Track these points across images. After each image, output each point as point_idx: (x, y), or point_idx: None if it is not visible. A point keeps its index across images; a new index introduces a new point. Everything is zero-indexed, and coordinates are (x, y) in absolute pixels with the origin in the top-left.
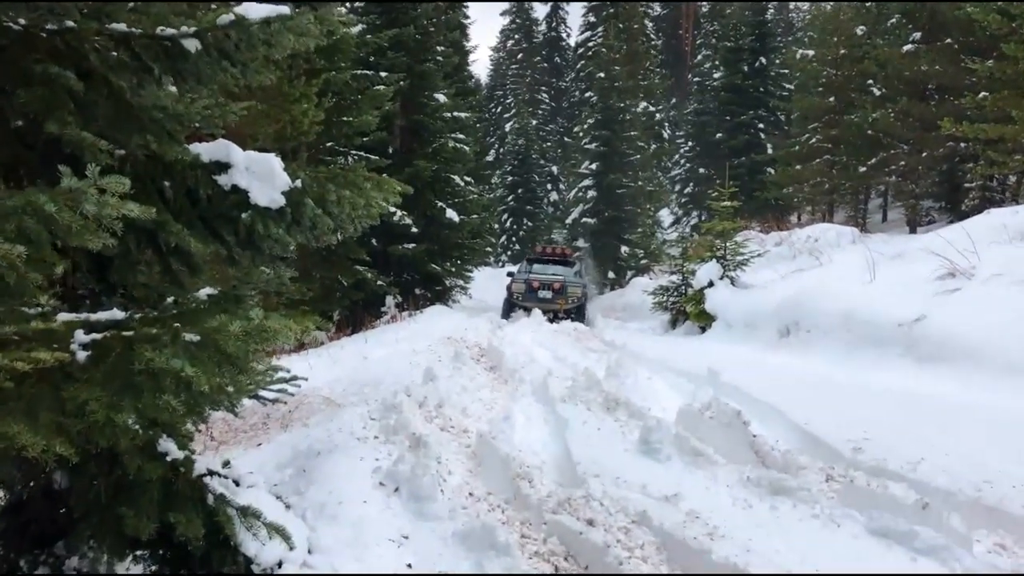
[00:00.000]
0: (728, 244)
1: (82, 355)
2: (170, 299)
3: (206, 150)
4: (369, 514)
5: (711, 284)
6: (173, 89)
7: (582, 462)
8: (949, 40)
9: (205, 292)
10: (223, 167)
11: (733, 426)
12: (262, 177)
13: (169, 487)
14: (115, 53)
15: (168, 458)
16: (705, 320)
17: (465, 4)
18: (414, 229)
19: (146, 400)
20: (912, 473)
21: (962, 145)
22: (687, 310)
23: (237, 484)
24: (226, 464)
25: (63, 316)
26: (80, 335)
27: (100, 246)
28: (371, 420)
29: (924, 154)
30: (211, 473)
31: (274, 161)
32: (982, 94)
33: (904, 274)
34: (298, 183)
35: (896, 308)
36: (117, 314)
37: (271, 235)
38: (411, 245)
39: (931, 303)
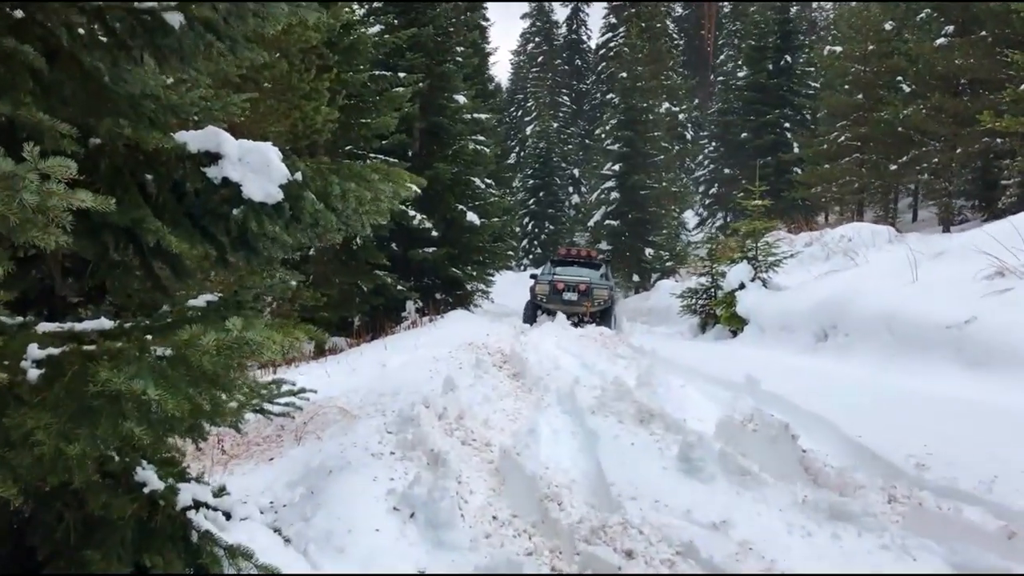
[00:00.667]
0: (759, 244)
1: (34, 373)
2: (165, 307)
3: (193, 139)
4: (381, 545)
5: (742, 286)
6: (168, 79)
7: (616, 482)
8: (984, 33)
9: (204, 299)
10: (213, 158)
11: (780, 440)
12: (257, 169)
13: (145, 524)
14: (85, 29)
15: (146, 489)
16: (736, 323)
17: (484, 5)
18: (434, 233)
19: (104, 427)
20: (988, 494)
21: (998, 141)
22: (717, 313)
23: (228, 517)
24: (220, 492)
25: (45, 326)
26: (33, 350)
27: (53, 244)
28: (387, 434)
29: (958, 151)
30: (197, 505)
31: (270, 151)
32: (1023, 87)
33: (948, 273)
34: (298, 176)
35: (942, 310)
36: (104, 324)
37: (267, 233)
38: (431, 249)
39: (981, 304)
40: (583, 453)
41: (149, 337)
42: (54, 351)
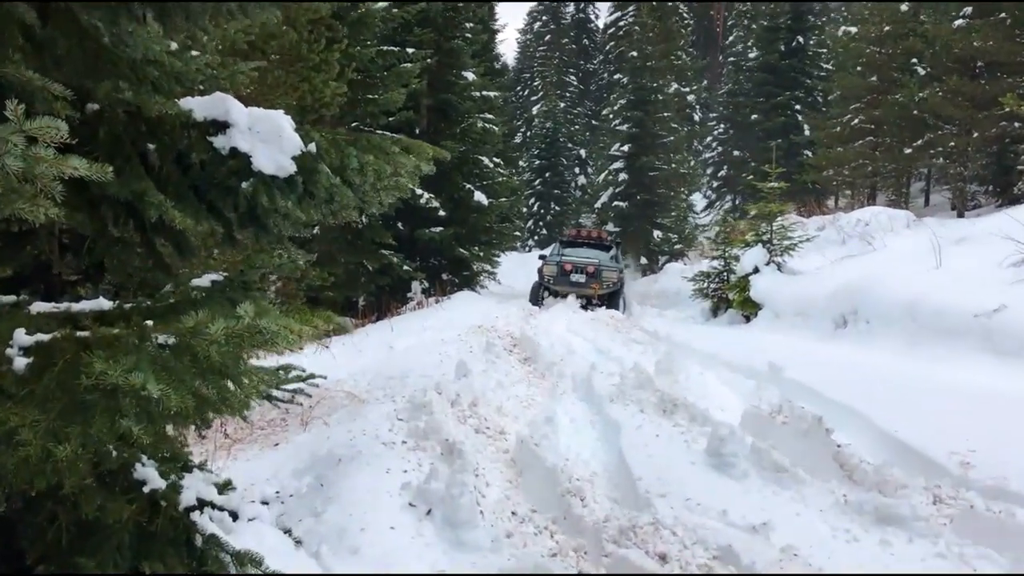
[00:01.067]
0: (775, 228)
1: (20, 363)
2: (167, 287)
3: (200, 106)
4: (397, 545)
5: (756, 270)
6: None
7: (643, 477)
8: (1003, 15)
9: (208, 278)
10: (220, 126)
11: (812, 434)
12: (268, 139)
13: (145, 527)
14: None
15: (146, 488)
16: (750, 308)
17: None
18: (441, 212)
19: (98, 425)
20: None
21: (1016, 125)
22: (730, 297)
23: (235, 517)
24: (225, 487)
25: (39, 306)
26: (20, 335)
27: (42, 217)
28: (398, 421)
29: (974, 135)
30: (202, 505)
31: (283, 119)
32: None
33: (972, 260)
34: (312, 147)
35: (969, 297)
36: (103, 304)
37: (278, 209)
38: (438, 229)
39: (1009, 292)
40: (603, 444)
41: (150, 323)
42: (43, 337)
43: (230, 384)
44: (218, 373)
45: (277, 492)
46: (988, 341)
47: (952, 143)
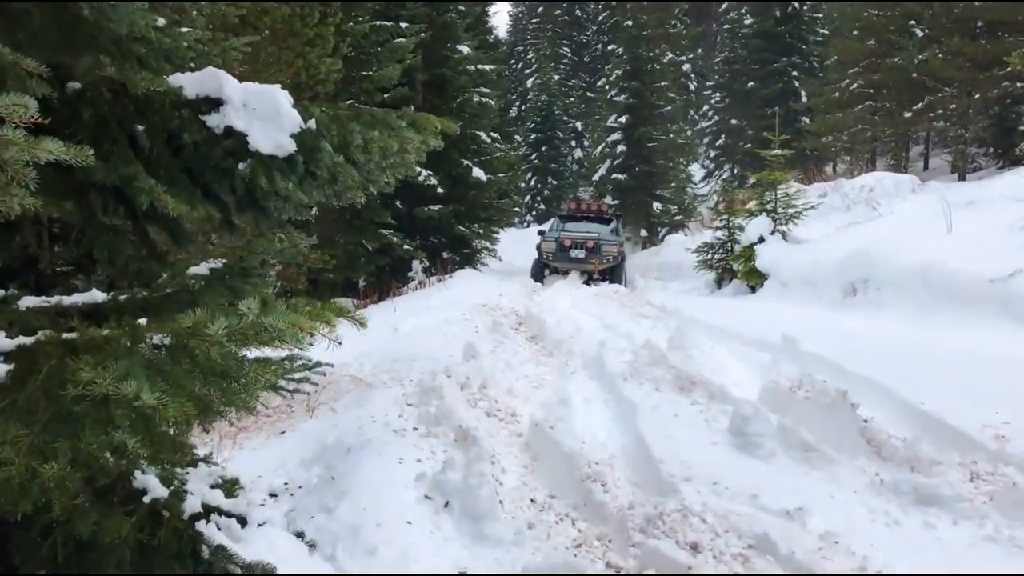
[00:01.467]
0: (779, 196)
1: (1, 370)
2: (164, 276)
3: (191, 82)
4: (415, 541)
5: (761, 240)
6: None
7: (665, 460)
8: None
9: (206, 266)
10: (213, 104)
11: (837, 409)
12: (265, 116)
13: (146, 542)
14: None
15: (147, 498)
16: (756, 279)
17: None
18: (440, 190)
19: (89, 439)
20: None
21: (1018, 85)
22: (735, 268)
23: (244, 523)
24: (232, 488)
25: (28, 300)
26: (0, 339)
27: (17, 208)
28: (408, 406)
29: (976, 96)
30: (208, 512)
31: (280, 95)
32: None
33: (983, 223)
34: (312, 123)
35: (983, 262)
36: (97, 296)
37: (278, 191)
38: (437, 207)
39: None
40: (619, 425)
41: (143, 322)
42: (26, 341)
43: (234, 385)
44: (220, 375)
45: (286, 484)
46: (1006, 307)
47: (953, 105)
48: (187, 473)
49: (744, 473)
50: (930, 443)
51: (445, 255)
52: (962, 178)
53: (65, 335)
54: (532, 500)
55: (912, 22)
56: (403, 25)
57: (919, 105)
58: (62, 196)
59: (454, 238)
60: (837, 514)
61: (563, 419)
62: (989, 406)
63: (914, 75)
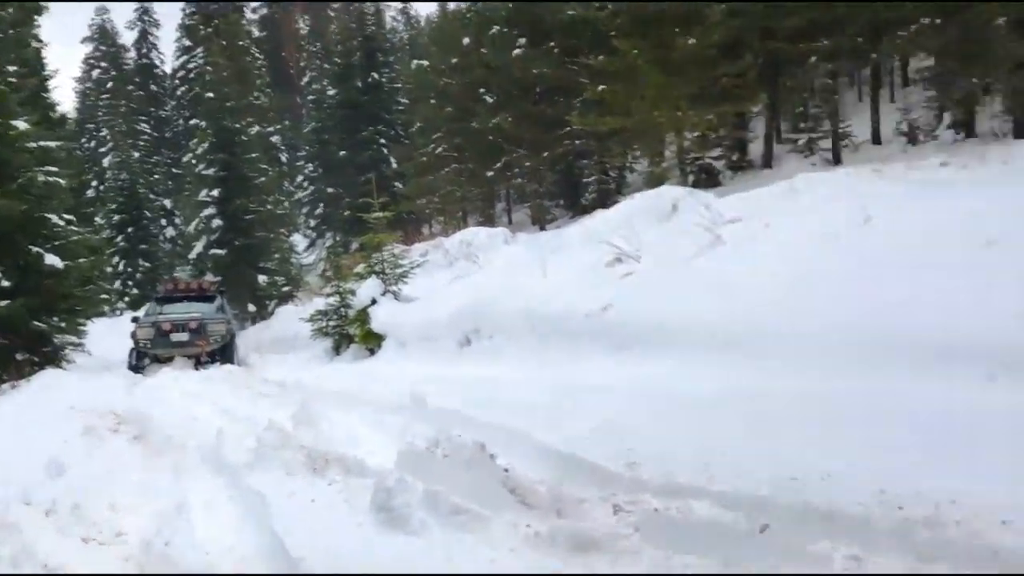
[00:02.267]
0: (385, 257)
1: None
2: None
3: None
4: None
5: (374, 302)
6: None
7: (306, 555)
8: (553, 44)
9: None
10: None
11: (476, 463)
12: None
13: None
14: None
15: None
16: (374, 340)
17: (37, 23)
18: (5, 283)
19: None
20: (710, 484)
21: (577, 142)
22: (352, 332)
23: None
24: None
25: None
26: None
27: None
28: None
29: (545, 154)
30: None
31: None
32: (600, 87)
33: (573, 265)
34: None
35: (578, 299)
36: None
37: None
38: (4, 302)
39: (610, 290)
40: (249, 523)
41: None
42: None
43: None
44: None
45: None
46: (603, 337)
47: (528, 163)
48: None
49: (396, 554)
50: (571, 483)
51: (19, 357)
52: (542, 228)
53: None
54: None
55: (482, 89)
56: None
57: (498, 164)
58: None
59: (30, 336)
60: None
61: (180, 530)
62: (614, 434)
63: (490, 137)
